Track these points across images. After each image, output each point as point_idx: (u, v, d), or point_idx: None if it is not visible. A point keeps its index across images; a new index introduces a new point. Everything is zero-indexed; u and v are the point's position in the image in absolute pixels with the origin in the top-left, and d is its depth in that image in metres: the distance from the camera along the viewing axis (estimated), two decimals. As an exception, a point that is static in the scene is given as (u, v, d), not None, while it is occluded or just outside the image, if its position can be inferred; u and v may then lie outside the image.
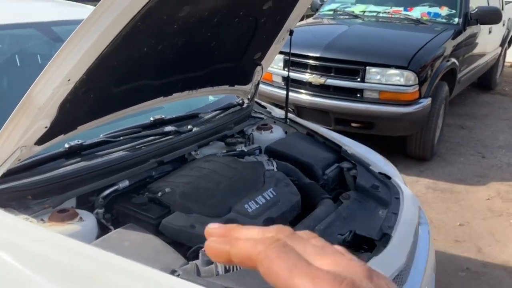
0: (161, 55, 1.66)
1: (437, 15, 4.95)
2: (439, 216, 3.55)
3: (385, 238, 1.62)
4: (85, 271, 1.24)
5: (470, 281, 2.81)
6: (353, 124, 4.12)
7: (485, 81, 6.86)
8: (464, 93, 6.15)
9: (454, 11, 4.95)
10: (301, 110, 4.26)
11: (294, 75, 4.15)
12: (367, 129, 4.12)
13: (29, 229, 1.34)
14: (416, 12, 5.03)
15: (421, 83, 4.00)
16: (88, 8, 2.82)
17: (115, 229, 1.55)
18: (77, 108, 1.50)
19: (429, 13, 4.98)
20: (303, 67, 4.26)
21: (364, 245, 1.63)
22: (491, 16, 4.93)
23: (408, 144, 4.39)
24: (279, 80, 4.49)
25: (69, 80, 1.31)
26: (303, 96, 4.22)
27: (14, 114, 1.30)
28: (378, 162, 2.24)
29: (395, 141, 4.45)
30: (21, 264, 1.24)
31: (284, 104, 4.35)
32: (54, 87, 1.28)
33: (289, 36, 2.26)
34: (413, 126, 4.12)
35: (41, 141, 1.49)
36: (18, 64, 2.41)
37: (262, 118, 2.57)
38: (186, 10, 1.46)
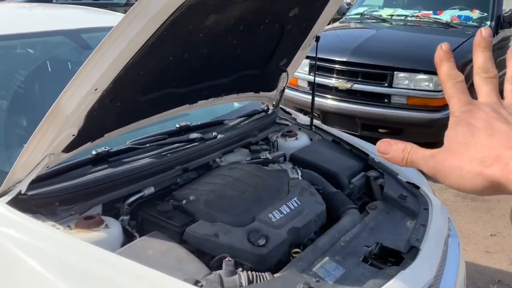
0: (187, 63, 1.66)
1: (468, 18, 4.83)
2: (469, 225, 3.45)
3: (413, 251, 1.58)
4: (108, 279, 1.25)
5: (502, 295, 2.71)
6: (381, 130, 4.05)
7: (519, 85, 6.62)
8: (496, 98, 5.96)
9: (485, 14, 4.81)
10: (327, 115, 4.21)
11: (320, 80, 4.12)
12: (394, 135, 4.03)
13: (56, 236, 1.36)
14: (446, 16, 4.91)
15: (451, 89, 3.89)
16: (117, 15, 2.87)
17: (140, 236, 1.56)
18: (104, 116, 1.52)
19: (459, 16, 4.86)
20: (329, 71, 4.22)
21: (391, 257, 1.59)
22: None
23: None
24: (304, 85, 4.46)
25: (96, 89, 1.32)
26: (329, 101, 4.18)
27: (42, 123, 1.32)
28: (406, 170, 2.18)
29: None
30: (47, 271, 1.26)
31: (309, 109, 4.34)
32: (81, 97, 1.30)
33: (315, 42, 2.24)
34: (442, 132, 3.99)
35: (68, 148, 1.51)
36: (49, 70, 2.46)
37: (287, 125, 2.55)
38: (212, 19, 1.45)
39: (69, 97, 1.29)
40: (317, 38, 2.21)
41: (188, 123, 2.12)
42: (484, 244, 3.20)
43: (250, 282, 1.34)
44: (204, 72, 1.82)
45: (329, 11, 2.04)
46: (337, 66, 4.19)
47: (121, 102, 1.52)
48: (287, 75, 2.40)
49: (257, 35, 1.88)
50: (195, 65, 1.73)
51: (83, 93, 1.29)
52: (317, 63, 4.26)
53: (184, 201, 1.66)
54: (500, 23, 4.74)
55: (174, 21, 1.27)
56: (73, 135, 1.46)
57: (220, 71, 1.94)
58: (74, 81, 1.25)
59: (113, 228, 1.52)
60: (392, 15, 5.16)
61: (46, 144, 1.40)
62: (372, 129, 4.08)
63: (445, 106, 3.91)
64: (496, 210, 3.68)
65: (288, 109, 2.74)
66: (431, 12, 4.99)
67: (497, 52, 4.85)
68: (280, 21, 1.89)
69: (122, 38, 1.21)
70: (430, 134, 4.04)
